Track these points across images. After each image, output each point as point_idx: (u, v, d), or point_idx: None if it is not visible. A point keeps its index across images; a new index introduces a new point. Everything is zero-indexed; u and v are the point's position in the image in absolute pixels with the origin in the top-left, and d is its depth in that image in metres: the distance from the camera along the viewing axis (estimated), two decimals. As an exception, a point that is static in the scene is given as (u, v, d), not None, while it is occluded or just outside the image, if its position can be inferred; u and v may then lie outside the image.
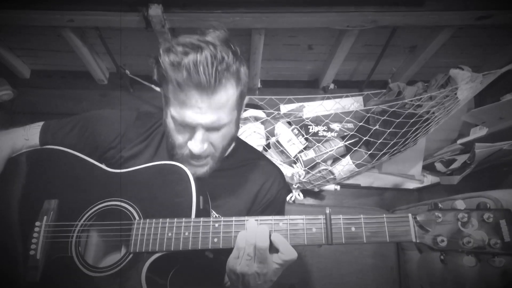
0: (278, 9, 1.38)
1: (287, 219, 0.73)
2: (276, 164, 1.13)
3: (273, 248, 0.71)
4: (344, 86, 1.92)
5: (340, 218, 0.70)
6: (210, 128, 0.80)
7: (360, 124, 1.61)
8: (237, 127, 0.90)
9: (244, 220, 0.73)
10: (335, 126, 1.78)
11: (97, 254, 0.87)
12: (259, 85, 1.90)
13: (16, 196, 0.88)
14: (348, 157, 1.68)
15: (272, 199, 0.99)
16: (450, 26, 1.44)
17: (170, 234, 0.74)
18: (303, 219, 0.72)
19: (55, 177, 0.90)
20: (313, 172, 1.67)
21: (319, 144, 1.72)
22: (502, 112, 1.44)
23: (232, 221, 0.74)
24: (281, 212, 1.02)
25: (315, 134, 1.75)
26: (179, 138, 0.82)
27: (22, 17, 1.43)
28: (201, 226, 0.74)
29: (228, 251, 0.73)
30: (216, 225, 0.74)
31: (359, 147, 1.60)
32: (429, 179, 1.88)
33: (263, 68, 1.79)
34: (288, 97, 1.73)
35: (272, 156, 1.70)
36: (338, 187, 1.76)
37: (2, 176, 0.90)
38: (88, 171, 0.89)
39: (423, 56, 1.63)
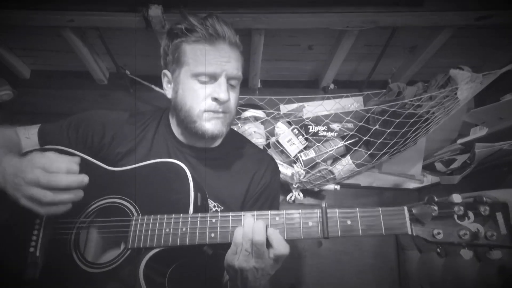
0: (278, 9, 1.38)
1: (283, 214, 0.73)
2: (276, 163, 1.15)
3: (269, 243, 0.72)
4: (344, 86, 1.92)
5: (336, 212, 0.71)
6: (231, 78, 0.92)
7: (360, 124, 1.61)
8: (237, 104, 1.00)
9: (241, 215, 0.74)
10: (335, 126, 1.78)
11: (96, 251, 0.87)
12: (259, 85, 1.90)
13: None
14: (348, 157, 1.68)
15: (267, 183, 1.02)
16: (450, 26, 1.44)
17: (168, 230, 0.75)
18: (299, 213, 0.73)
19: None
20: (313, 172, 1.68)
21: (319, 144, 1.72)
22: (502, 112, 1.44)
23: (229, 216, 0.75)
24: (276, 196, 1.06)
25: (315, 134, 1.76)
26: (197, 98, 0.91)
27: (22, 17, 1.43)
28: (198, 222, 0.75)
29: (227, 246, 0.74)
30: (213, 220, 0.75)
31: (359, 147, 1.60)
32: (429, 179, 1.88)
33: (263, 68, 1.79)
34: (288, 97, 1.73)
35: (272, 156, 1.70)
36: (338, 187, 1.76)
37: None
38: (88, 169, 0.89)
39: (423, 56, 1.63)
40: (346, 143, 1.67)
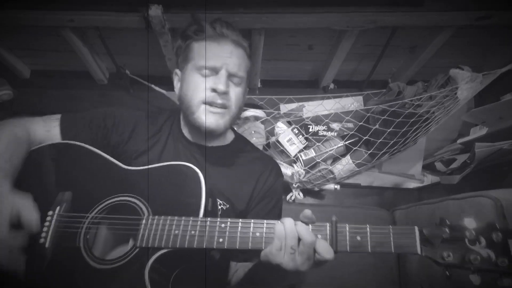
0: (278, 9, 1.38)
1: None
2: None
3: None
4: (344, 86, 1.92)
5: (345, 227, 0.71)
6: (232, 74, 0.96)
7: (360, 123, 1.61)
8: (243, 103, 1.04)
9: (250, 222, 0.74)
10: (335, 125, 1.78)
11: (104, 248, 0.88)
12: (259, 85, 1.90)
13: (33, 187, 0.88)
14: (348, 156, 1.68)
15: (272, 185, 1.04)
16: (450, 26, 1.44)
17: (177, 232, 0.76)
18: (309, 225, 0.72)
19: (72, 171, 0.93)
20: (313, 172, 1.68)
21: (319, 144, 1.72)
22: (502, 112, 1.44)
23: (238, 222, 0.75)
24: (280, 198, 1.08)
25: (315, 133, 1.76)
26: (197, 89, 0.95)
27: (22, 17, 1.43)
28: (207, 226, 0.76)
29: (234, 250, 0.74)
30: (223, 225, 0.75)
31: (359, 147, 1.60)
32: (429, 179, 1.88)
33: (263, 68, 1.79)
34: (288, 97, 1.73)
35: (272, 155, 1.70)
36: (338, 187, 1.76)
37: (24, 166, 0.90)
38: (104, 166, 0.92)
39: (423, 56, 1.63)
40: (346, 142, 1.67)
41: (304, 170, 1.67)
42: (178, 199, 0.82)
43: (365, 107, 1.60)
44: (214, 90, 0.94)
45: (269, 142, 1.73)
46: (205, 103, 0.94)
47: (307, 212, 0.72)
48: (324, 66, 1.82)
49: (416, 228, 0.68)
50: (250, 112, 1.72)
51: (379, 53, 1.65)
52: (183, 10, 1.36)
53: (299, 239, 0.69)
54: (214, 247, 0.74)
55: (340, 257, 0.70)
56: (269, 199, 1.03)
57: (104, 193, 0.87)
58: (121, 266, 0.77)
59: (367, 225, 0.70)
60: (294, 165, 1.73)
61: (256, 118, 1.72)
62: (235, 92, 0.98)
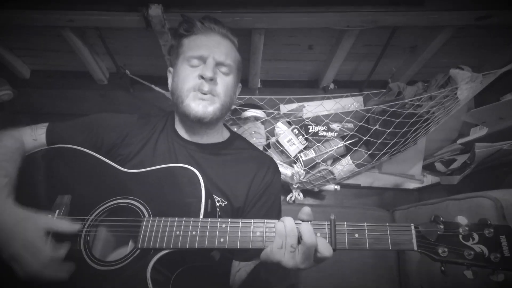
0: (278, 9, 1.38)
1: None
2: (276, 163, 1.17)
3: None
4: (344, 86, 1.91)
5: (344, 225, 0.73)
6: (219, 63, 1.00)
7: (360, 124, 1.61)
8: (234, 94, 1.08)
9: (251, 222, 0.75)
10: (335, 126, 1.78)
11: (104, 249, 0.88)
12: (259, 85, 1.90)
13: (31, 191, 0.90)
14: (348, 157, 1.68)
15: (270, 182, 1.05)
16: (450, 26, 1.44)
17: (178, 233, 0.76)
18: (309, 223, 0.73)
19: (70, 174, 0.93)
20: (313, 172, 1.68)
21: (319, 144, 1.72)
22: (502, 112, 1.44)
23: (239, 222, 0.76)
24: (278, 194, 1.08)
25: (315, 134, 1.76)
26: (187, 79, 0.98)
27: (22, 17, 1.42)
28: (208, 226, 0.76)
29: (234, 251, 0.74)
30: (223, 225, 0.76)
31: (359, 147, 1.60)
32: (429, 179, 1.88)
33: (263, 68, 1.79)
34: (288, 97, 1.73)
35: (272, 156, 1.70)
36: (338, 187, 1.76)
37: (20, 173, 0.91)
38: (102, 169, 0.93)
39: (423, 56, 1.63)
40: (346, 143, 1.67)
41: (304, 170, 1.67)
42: (178, 201, 0.82)
43: (365, 108, 1.60)
44: (201, 77, 0.97)
45: (269, 143, 1.72)
46: (192, 89, 0.98)
47: (307, 209, 0.74)
48: (324, 66, 1.82)
49: (412, 225, 0.70)
50: (250, 113, 1.72)
51: (379, 53, 1.65)
52: (183, 10, 1.36)
53: (299, 238, 0.70)
54: (216, 246, 0.74)
55: (340, 257, 0.71)
56: (268, 197, 1.03)
57: (103, 196, 0.87)
58: (123, 267, 0.77)
59: (365, 223, 0.72)
60: (294, 165, 1.72)
61: (256, 119, 1.72)
62: (224, 81, 1.01)
